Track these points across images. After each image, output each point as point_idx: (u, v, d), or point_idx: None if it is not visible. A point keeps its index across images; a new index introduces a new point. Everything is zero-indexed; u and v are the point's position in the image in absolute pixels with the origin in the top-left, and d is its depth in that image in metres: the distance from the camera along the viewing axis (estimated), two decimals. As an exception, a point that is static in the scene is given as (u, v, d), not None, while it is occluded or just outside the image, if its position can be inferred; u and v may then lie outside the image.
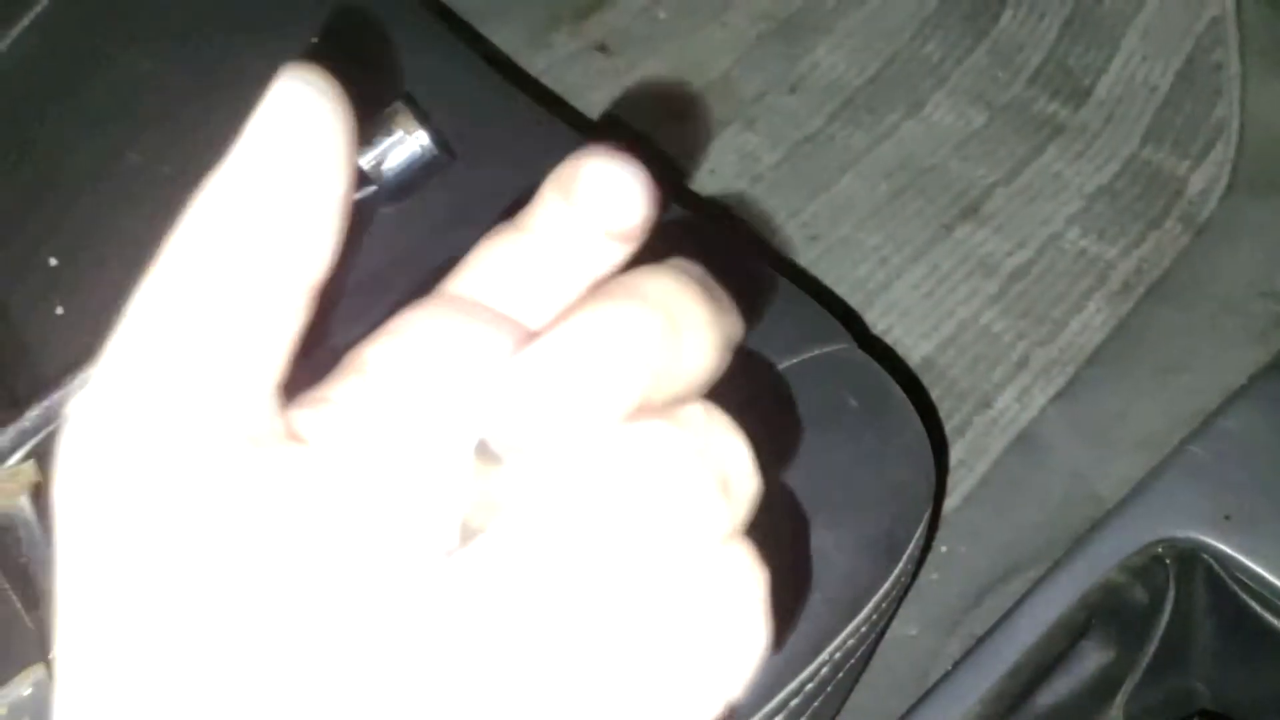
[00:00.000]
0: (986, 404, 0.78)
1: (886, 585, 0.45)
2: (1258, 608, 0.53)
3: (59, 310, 0.53)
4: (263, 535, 0.21)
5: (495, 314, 0.27)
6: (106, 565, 0.21)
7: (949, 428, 0.77)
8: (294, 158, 0.21)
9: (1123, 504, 0.56)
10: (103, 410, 0.21)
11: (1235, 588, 0.53)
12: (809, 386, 0.47)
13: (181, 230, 0.21)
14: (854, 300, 0.81)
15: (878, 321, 0.81)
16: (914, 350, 0.80)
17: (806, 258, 0.83)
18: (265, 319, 0.21)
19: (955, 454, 0.76)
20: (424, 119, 0.47)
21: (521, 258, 0.29)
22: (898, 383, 0.50)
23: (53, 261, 0.54)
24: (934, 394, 0.78)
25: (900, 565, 0.46)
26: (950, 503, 0.74)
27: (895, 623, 0.68)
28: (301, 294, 0.22)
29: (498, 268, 0.29)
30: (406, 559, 0.23)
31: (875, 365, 0.49)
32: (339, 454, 0.23)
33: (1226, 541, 0.53)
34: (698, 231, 0.53)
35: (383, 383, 0.25)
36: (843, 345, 0.49)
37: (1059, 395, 0.78)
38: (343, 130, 0.21)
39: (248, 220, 0.21)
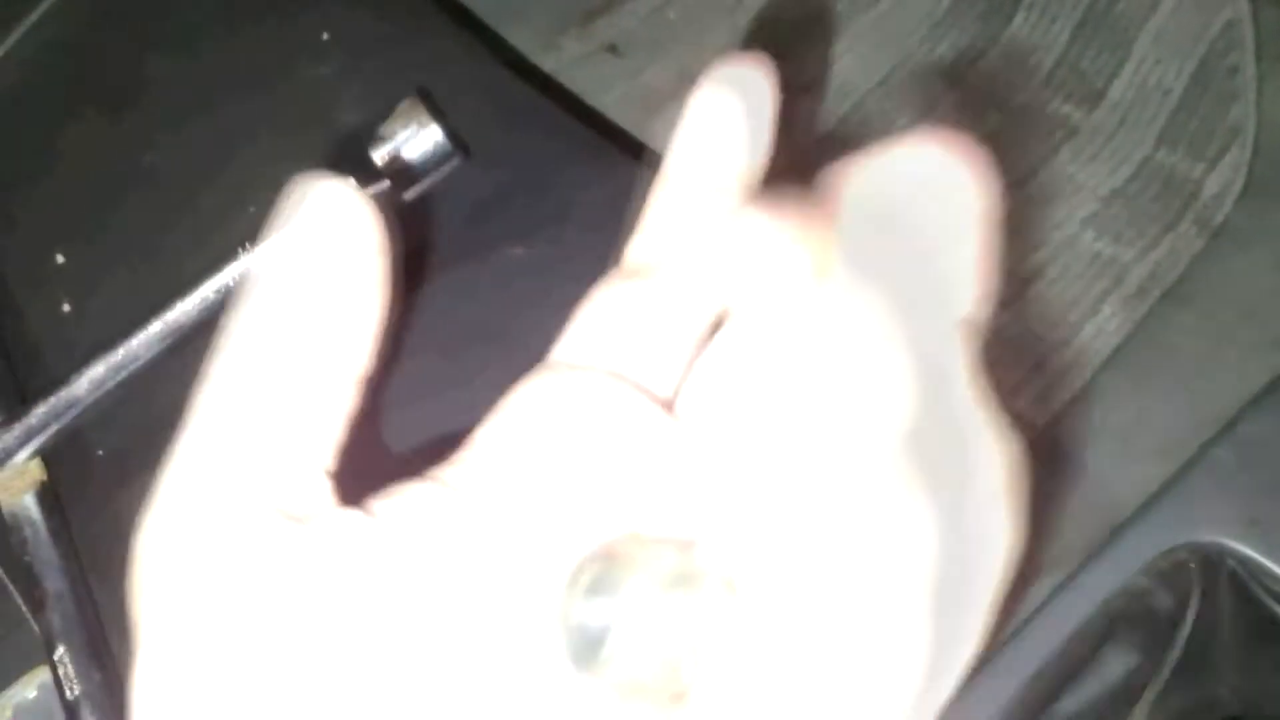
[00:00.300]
0: (1003, 408, 0.77)
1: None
2: (1284, 614, 0.52)
3: (66, 308, 0.52)
4: (310, 607, 0.21)
5: (609, 377, 0.26)
6: (181, 634, 0.21)
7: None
8: (328, 263, 0.22)
9: (1145, 508, 0.55)
10: (175, 500, 0.22)
11: (1261, 593, 0.52)
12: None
13: (232, 336, 0.22)
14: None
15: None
16: (929, 354, 0.79)
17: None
18: (314, 410, 0.22)
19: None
20: (438, 114, 0.46)
21: (633, 309, 0.28)
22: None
23: (60, 259, 0.53)
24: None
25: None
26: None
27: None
28: (348, 386, 0.23)
29: (607, 323, 0.28)
30: (494, 656, 0.22)
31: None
32: (412, 530, 0.22)
33: (1252, 546, 0.52)
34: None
35: (493, 466, 0.24)
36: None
37: (1075, 400, 0.77)
38: (372, 238, 0.22)
39: (294, 323, 0.22)
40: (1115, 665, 0.54)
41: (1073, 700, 0.54)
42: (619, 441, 0.25)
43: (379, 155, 0.45)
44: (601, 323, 0.28)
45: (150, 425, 0.48)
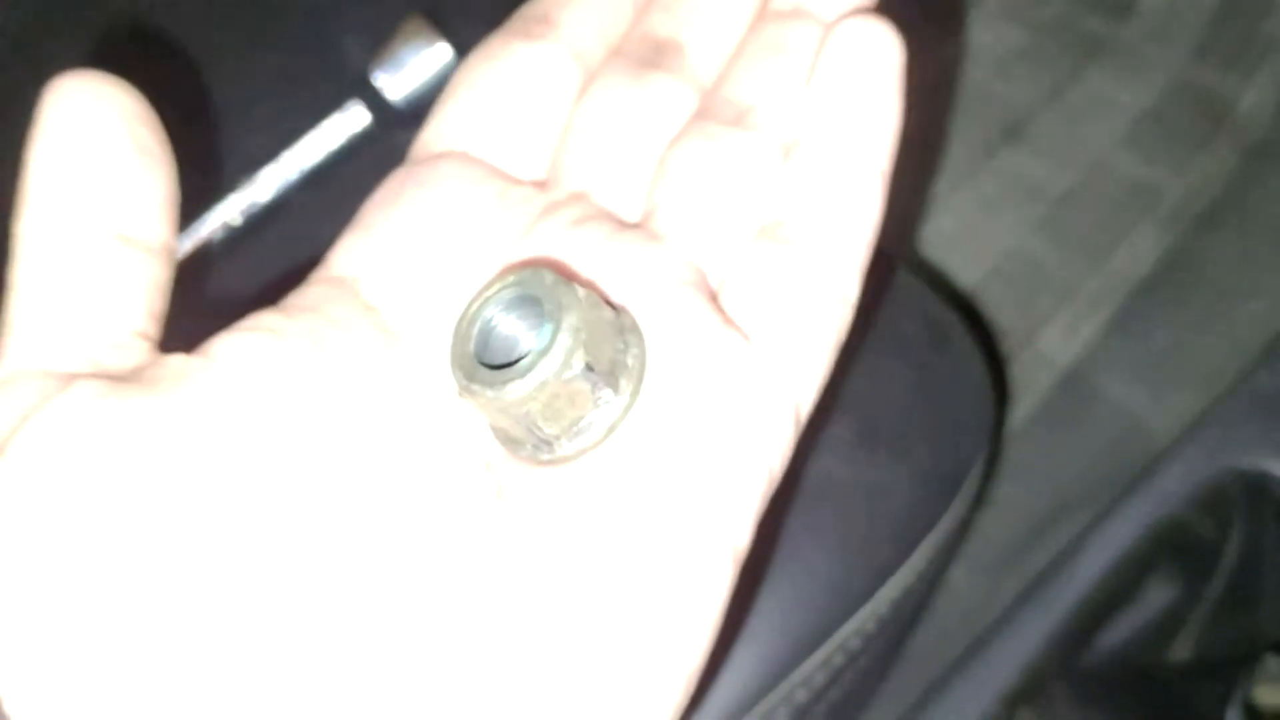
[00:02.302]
0: (1032, 338, 0.75)
1: (946, 520, 0.43)
2: (1333, 540, 0.50)
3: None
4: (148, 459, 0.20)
5: (462, 164, 0.27)
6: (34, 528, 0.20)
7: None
8: (90, 150, 0.22)
9: (1187, 435, 0.53)
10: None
11: (1309, 519, 0.51)
12: (862, 316, 0.45)
13: (25, 223, 0.22)
14: (891, 232, 0.78)
15: (917, 253, 0.78)
16: (957, 283, 0.77)
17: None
18: (117, 282, 0.22)
19: (1001, 390, 0.74)
20: (445, 32, 0.44)
21: (506, 78, 0.28)
22: (956, 311, 0.48)
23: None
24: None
25: (959, 500, 0.44)
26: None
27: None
28: (149, 256, 0.23)
29: (479, 99, 0.28)
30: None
31: (931, 293, 0.47)
32: (258, 358, 0.22)
33: (1299, 471, 0.51)
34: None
35: (352, 271, 0.25)
36: (898, 273, 0.47)
37: (1109, 327, 0.75)
38: (130, 119, 0.22)
39: (71, 208, 0.22)
40: (1158, 595, 0.53)
41: (1116, 630, 0.53)
42: (479, 232, 0.25)
43: (383, 78, 0.43)
44: (474, 99, 0.28)
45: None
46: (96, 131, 0.23)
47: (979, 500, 0.46)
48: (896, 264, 0.47)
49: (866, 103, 0.26)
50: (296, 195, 0.44)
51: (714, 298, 0.25)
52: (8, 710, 0.19)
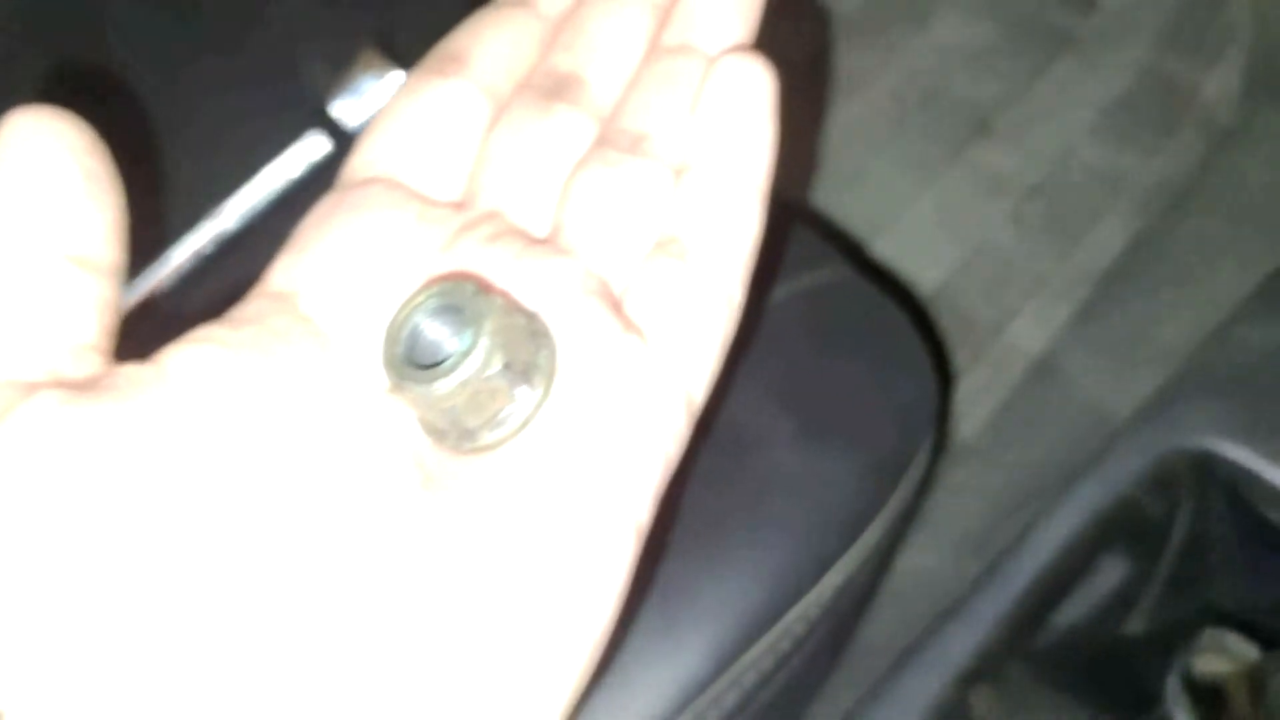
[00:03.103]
0: (1002, 329, 0.77)
1: (890, 507, 0.45)
2: (1276, 517, 0.52)
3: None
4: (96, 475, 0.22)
5: (386, 189, 0.29)
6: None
7: (964, 355, 0.76)
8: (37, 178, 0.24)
9: (1137, 416, 0.55)
10: None
11: (1252, 497, 0.52)
12: (806, 310, 0.47)
13: None
14: (861, 230, 0.80)
15: (887, 250, 0.80)
16: (926, 278, 0.78)
17: (806, 187, 0.82)
18: (69, 303, 0.24)
19: (972, 382, 0.75)
20: (398, 61, 0.46)
21: (427, 109, 0.31)
22: (901, 310, 0.50)
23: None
24: (949, 322, 0.77)
25: (902, 487, 0.46)
26: (968, 430, 0.73)
27: (912, 552, 0.68)
28: (99, 277, 0.25)
29: (399, 130, 0.31)
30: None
31: (873, 288, 0.49)
32: (206, 366, 0.24)
33: (1242, 451, 0.52)
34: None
35: (288, 291, 0.27)
36: (837, 269, 0.49)
37: (1077, 315, 0.77)
38: (77, 148, 0.24)
39: (19, 235, 0.24)
40: (1110, 575, 0.54)
41: (1069, 610, 0.54)
42: (402, 248, 0.28)
43: (340, 106, 0.45)
44: (395, 130, 0.31)
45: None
46: (45, 161, 0.25)
47: (925, 485, 0.48)
48: (835, 261, 0.48)
49: (744, 131, 0.29)
50: (261, 222, 0.46)
51: (616, 305, 0.28)
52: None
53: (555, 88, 0.31)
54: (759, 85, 0.29)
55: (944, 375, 0.73)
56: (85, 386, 0.24)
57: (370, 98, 0.46)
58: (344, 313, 0.27)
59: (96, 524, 0.22)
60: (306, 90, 0.47)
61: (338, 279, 0.27)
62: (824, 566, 0.43)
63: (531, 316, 0.26)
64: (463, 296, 0.25)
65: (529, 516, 0.25)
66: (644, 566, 0.27)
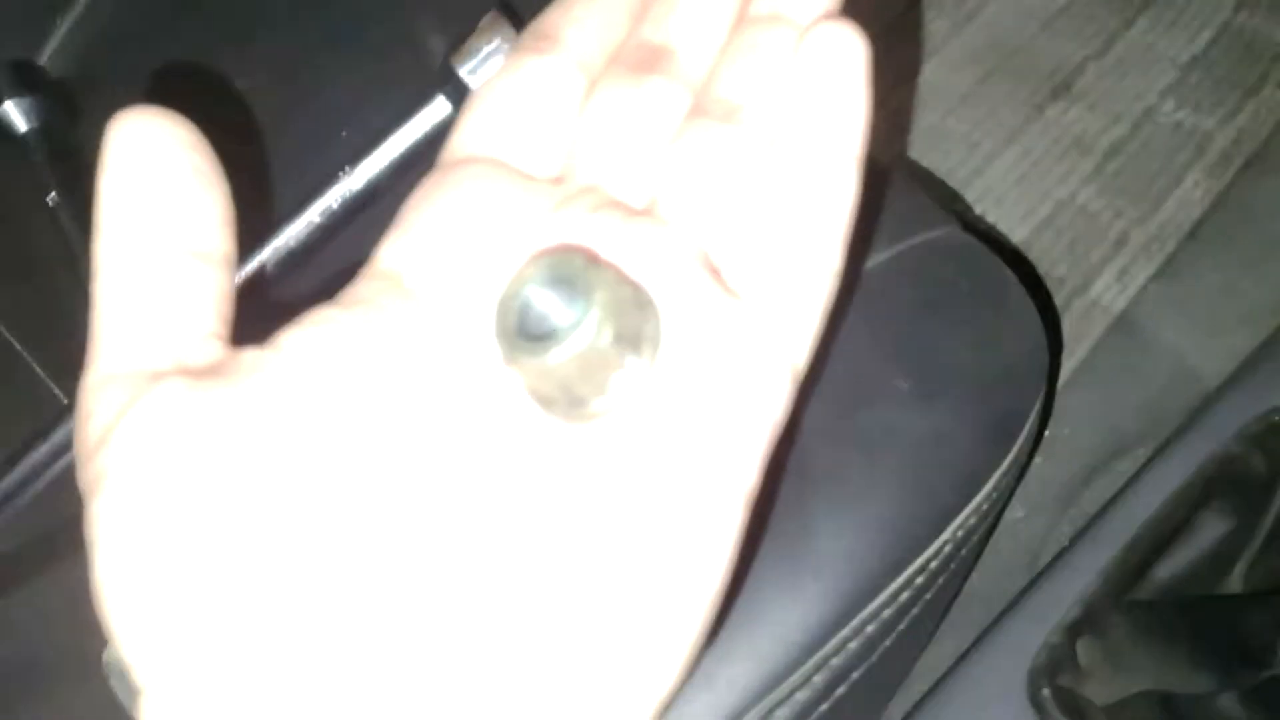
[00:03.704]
0: (1085, 287, 0.77)
1: (1005, 464, 0.46)
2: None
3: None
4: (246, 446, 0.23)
5: (490, 167, 0.30)
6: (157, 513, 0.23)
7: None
8: (152, 175, 0.26)
9: (1237, 373, 0.55)
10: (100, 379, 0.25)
11: (1356, 452, 0.52)
12: (918, 271, 0.47)
13: (102, 244, 0.26)
14: (947, 188, 0.80)
15: (972, 209, 0.80)
16: (1011, 236, 0.79)
17: (894, 149, 0.82)
18: (188, 294, 0.25)
19: (1055, 338, 0.76)
20: (521, 25, 0.47)
21: (523, 90, 0.31)
22: (1005, 262, 0.50)
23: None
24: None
25: (1018, 444, 0.46)
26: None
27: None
28: (213, 268, 0.26)
29: (498, 110, 0.31)
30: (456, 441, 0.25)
31: (983, 247, 0.49)
32: (321, 347, 0.25)
33: (1347, 407, 0.52)
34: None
35: (397, 270, 0.28)
36: (948, 229, 0.49)
37: (1159, 274, 0.77)
38: (184, 145, 0.26)
39: (140, 229, 0.25)
40: (1210, 531, 0.55)
41: (1169, 566, 0.55)
42: (505, 224, 0.29)
43: (465, 71, 0.46)
44: (492, 110, 0.31)
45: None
46: (155, 160, 0.26)
47: (1035, 444, 0.48)
48: (947, 221, 0.49)
49: (839, 99, 0.29)
50: (387, 182, 0.47)
51: (717, 274, 0.28)
52: (139, 684, 0.22)
53: (647, 60, 0.32)
54: (853, 52, 0.29)
55: (1054, 335, 0.73)
56: (208, 373, 0.25)
57: (493, 62, 0.47)
58: (450, 288, 0.28)
59: (227, 505, 0.23)
60: (430, 57, 0.48)
61: (442, 256, 0.28)
62: (944, 521, 0.44)
63: (637, 287, 0.27)
64: (573, 268, 0.25)
65: (638, 483, 0.25)
66: (753, 528, 0.27)
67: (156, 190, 0.26)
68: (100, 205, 0.26)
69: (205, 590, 0.22)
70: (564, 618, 0.24)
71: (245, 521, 0.23)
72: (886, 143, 0.83)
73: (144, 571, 0.22)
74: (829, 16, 0.30)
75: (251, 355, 0.25)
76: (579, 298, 0.25)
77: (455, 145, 0.32)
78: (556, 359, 0.24)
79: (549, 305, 0.26)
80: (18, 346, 0.53)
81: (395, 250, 0.29)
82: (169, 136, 0.26)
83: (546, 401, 0.26)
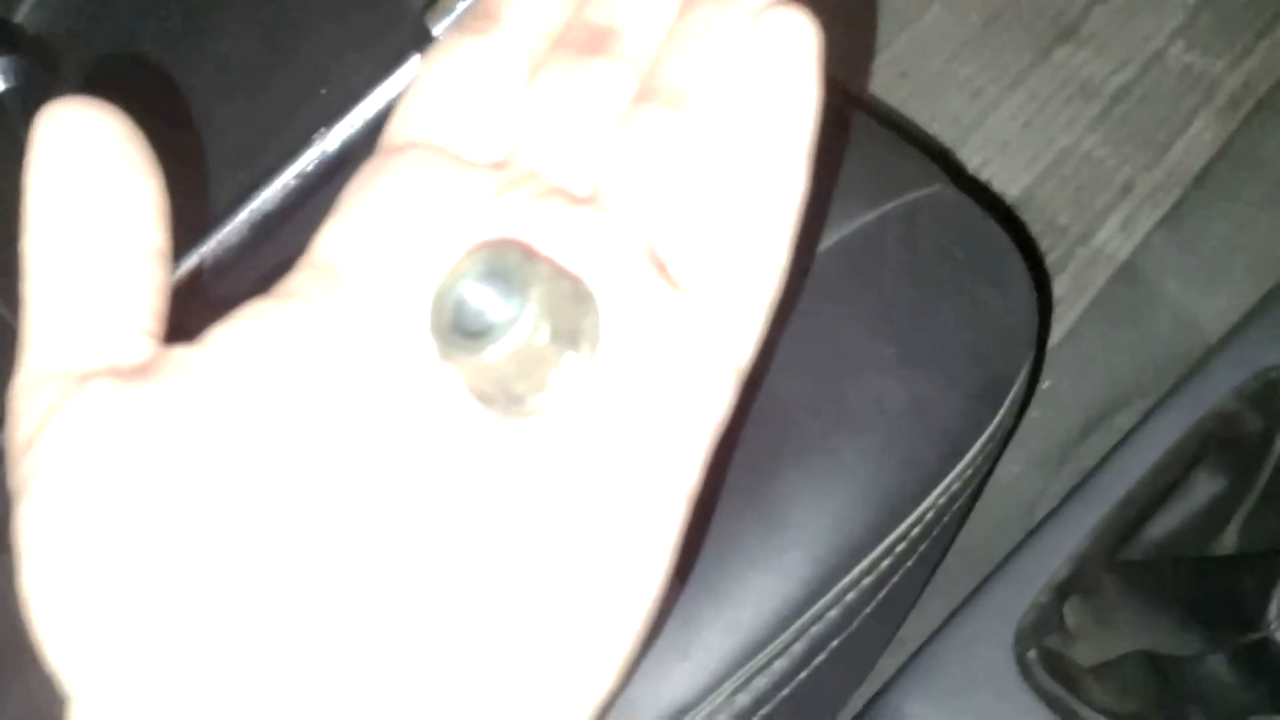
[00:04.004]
0: (1089, 235, 0.76)
1: (991, 428, 0.45)
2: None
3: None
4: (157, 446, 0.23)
5: (427, 153, 0.29)
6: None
7: (1050, 261, 0.76)
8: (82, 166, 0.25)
9: (1235, 330, 0.54)
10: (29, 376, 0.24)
11: (1354, 412, 0.52)
12: (906, 232, 0.46)
13: (30, 242, 0.25)
14: (948, 136, 0.79)
15: (974, 156, 0.79)
16: (1013, 183, 0.77)
17: (896, 96, 0.81)
18: (118, 285, 0.25)
19: (1057, 289, 0.75)
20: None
21: (461, 72, 0.30)
22: (997, 220, 0.49)
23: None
24: (1035, 228, 0.76)
25: (1004, 408, 0.46)
26: (1052, 338, 0.73)
27: (998, 462, 0.68)
28: (144, 260, 0.25)
29: (437, 93, 0.31)
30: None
31: (973, 205, 0.48)
32: (252, 341, 0.25)
33: (1345, 365, 0.52)
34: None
35: (334, 259, 0.28)
36: (938, 187, 0.48)
37: (1164, 222, 0.76)
38: (118, 136, 0.25)
39: (67, 223, 0.25)
40: (1206, 487, 0.55)
41: (1163, 523, 0.54)
42: (444, 212, 0.28)
43: (440, 29, 0.45)
44: (432, 93, 0.31)
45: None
46: (85, 152, 0.25)
47: (1023, 407, 0.48)
48: (938, 179, 0.48)
49: (788, 88, 0.29)
50: (362, 144, 0.47)
51: (661, 267, 0.28)
52: (60, 679, 0.22)
53: (592, 41, 0.31)
54: (804, 39, 0.29)
55: (1044, 294, 0.72)
56: (137, 372, 0.24)
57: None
58: (386, 280, 0.27)
59: (154, 507, 0.22)
60: (406, 14, 0.47)
61: (379, 246, 0.27)
62: (927, 488, 0.43)
63: (576, 281, 0.26)
64: (508, 263, 0.24)
65: (577, 480, 0.25)
66: (695, 526, 0.27)
67: (86, 184, 0.25)
68: (28, 200, 0.25)
69: (132, 595, 0.22)
70: (501, 615, 0.24)
71: (172, 523, 0.22)
72: (885, 91, 0.81)
73: (69, 577, 0.22)
74: (780, 1, 0.29)
75: (181, 353, 0.25)
76: (515, 294, 0.24)
77: (394, 130, 0.31)
78: (492, 357, 0.24)
79: (484, 301, 0.25)
80: (2, 311, 0.53)
81: (332, 239, 0.28)
82: (99, 128, 0.25)
83: (485, 398, 0.26)
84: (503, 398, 0.25)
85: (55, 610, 0.22)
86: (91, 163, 0.25)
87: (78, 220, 0.25)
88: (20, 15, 0.59)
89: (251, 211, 0.47)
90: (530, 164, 0.29)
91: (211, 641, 0.22)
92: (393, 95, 0.46)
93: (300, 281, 0.27)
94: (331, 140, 0.47)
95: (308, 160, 0.47)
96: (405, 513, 0.24)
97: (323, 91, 0.51)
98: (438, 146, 0.30)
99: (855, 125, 0.50)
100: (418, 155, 0.29)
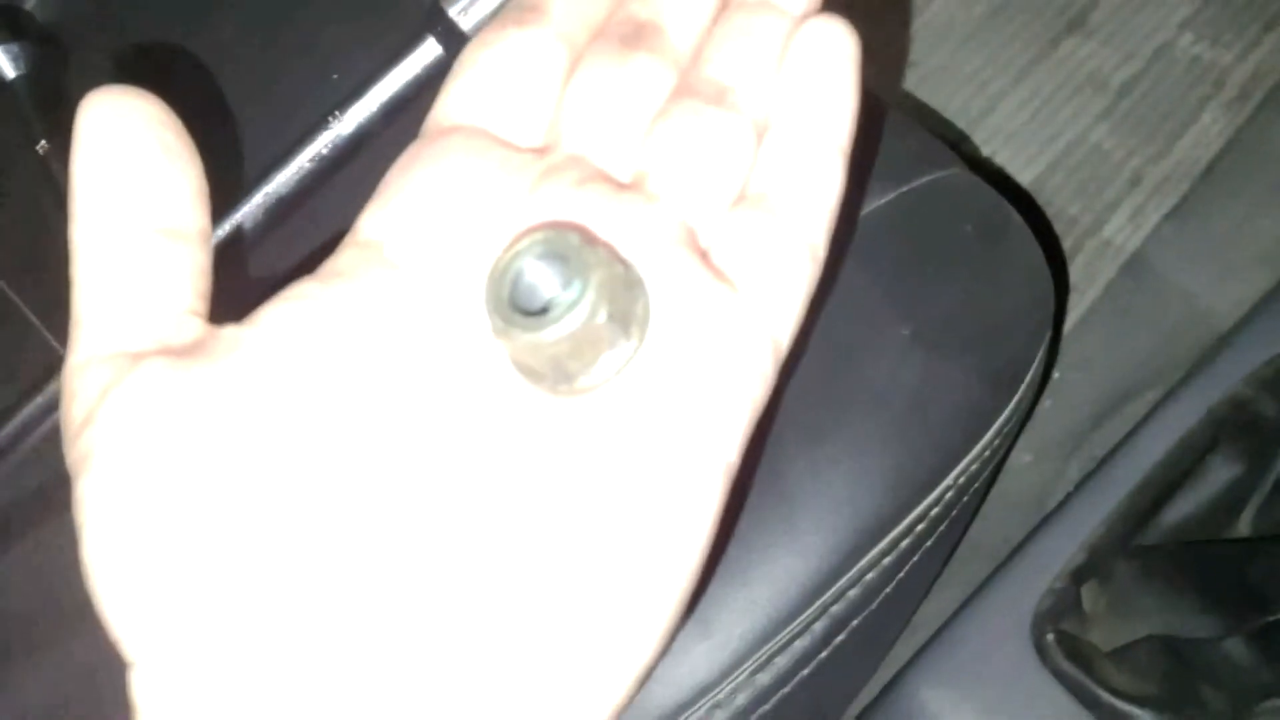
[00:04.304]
0: (1098, 227, 0.76)
1: (1008, 411, 0.45)
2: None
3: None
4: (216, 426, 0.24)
5: (473, 135, 0.30)
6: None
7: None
8: (125, 151, 0.25)
9: (1248, 316, 0.54)
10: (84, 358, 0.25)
11: (1369, 396, 0.52)
12: (921, 214, 0.46)
13: (78, 227, 0.26)
14: (955, 127, 0.79)
15: (981, 148, 0.79)
16: (1021, 175, 0.77)
17: (901, 87, 0.81)
18: (163, 267, 0.26)
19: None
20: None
21: (506, 58, 0.31)
22: (1011, 206, 0.49)
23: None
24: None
25: (1021, 391, 0.46)
26: (1063, 329, 0.73)
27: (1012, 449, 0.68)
28: (189, 242, 0.26)
29: (482, 77, 0.31)
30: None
31: (989, 189, 0.48)
32: (298, 321, 0.26)
33: (1360, 349, 0.52)
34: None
35: (379, 240, 0.28)
36: (953, 170, 0.48)
37: (1173, 213, 0.76)
38: (157, 122, 0.26)
39: (113, 204, 0.25)
40: (1220, 474, 0.55)
41: (1177, 509, 0.54)
42: (489, 194, 0.29)
43: (455, 11, 0.45)
44: (475, 79, 0.31)
45: (263, 298, 0.49)
46: (126, 140, 0.26)
47: (1040, 389, 0.48)
48: (953, 162, 0.48)
49: (829, 92, 0.30)
50: (376, 126, 0.47)
51: (704, 254, 0.29)
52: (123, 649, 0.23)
53: (633, 35, 0.32)
54: (844, 47, 0.30)
55: (1060, 277, 0.72)
56: (188, 351, 0.25)
57: (483, 3, 0.46)
58: (432, 259, 0.28)
59: (212, 483, 0.23)
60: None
61: (424, 226, 0.28)
62: (946, 468, 0.43)
63: (628, 266, 0.27)
64: (568, 246, 0.25)
65: (620, 457, 0.25)
66: (732, 504, 0.28)
67: (128, 170, 0.26)
68: (74, 188, 0.26)
69: (192, 566, 0.22)
70: (548, 590, 0.24)
71: (229, 498, 0.23)
72: (893, 81, 0.81)
73: (131, 548, 0.22)
74: (821, 10, 0.31)
75: (231, 332, 0.25)
76: (576, 276, 0.25)
77: (438, 114, 0.31)
78: (552, 336, 0.24)
79: (541, 279, 0.26)
80: (9, 293, 0.53)
81: (376, 220, 0.29)
82: (138, 115, 0.26)
83: (534, 375, 0.26)
84: (552, 376, 0.26)
85: (117, 581, 0.22)
86: (134, 149, 0.26)
87: (123, 205, 0.25)
88: (30, 3, 0.59)
89: (266, 195, 0.47)
90: (573, 149, 0.30)
91: (264, 613, 0.22)
92: (407, 78, 0.46)
93: (346, 261, 0.27)
94: (346, 124, 0.47)
95: (322, 144, 0.47)
96: (455, 490, 0.25)
97: (335, 76, 0.51)
98: (481, 130, 0.30)
99: (869, 109, 0.50)
100: (461, 138, 0.30)
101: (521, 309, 0.25)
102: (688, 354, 0.27)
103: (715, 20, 0.32)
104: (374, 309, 0.26)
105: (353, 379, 0.25)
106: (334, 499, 0.24)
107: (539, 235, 0.25)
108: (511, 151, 0.30)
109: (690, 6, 0.32)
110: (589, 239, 0.25)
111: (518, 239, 0.26)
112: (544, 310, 0.25)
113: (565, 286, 0.25)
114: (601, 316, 0.25)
